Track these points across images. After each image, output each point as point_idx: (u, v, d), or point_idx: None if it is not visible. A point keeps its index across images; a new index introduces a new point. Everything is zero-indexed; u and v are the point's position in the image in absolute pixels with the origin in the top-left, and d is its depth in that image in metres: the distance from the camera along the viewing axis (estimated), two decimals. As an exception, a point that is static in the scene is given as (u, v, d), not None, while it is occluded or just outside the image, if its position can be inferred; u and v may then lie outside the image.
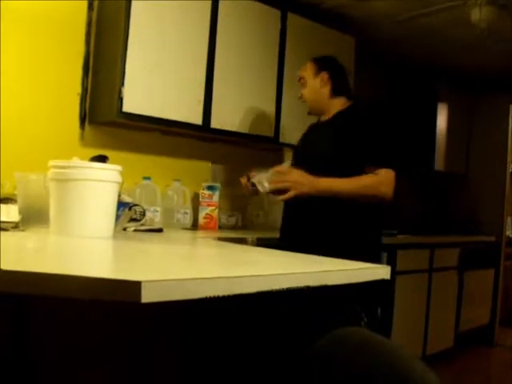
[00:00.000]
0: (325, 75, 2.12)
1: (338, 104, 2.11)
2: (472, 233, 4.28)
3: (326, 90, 2.11)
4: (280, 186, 1.95)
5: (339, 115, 2.08)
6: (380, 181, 1.90)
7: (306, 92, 2.17)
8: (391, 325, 3.14)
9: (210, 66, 2.63)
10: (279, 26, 2.95)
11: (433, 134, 4.21)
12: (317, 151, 2.04)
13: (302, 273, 1.06)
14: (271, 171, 2.02)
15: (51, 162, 1.64)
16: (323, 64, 2.15)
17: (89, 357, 1.11)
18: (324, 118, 2.15)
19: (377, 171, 1.91)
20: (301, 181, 1.92)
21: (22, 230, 1.71)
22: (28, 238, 1.62)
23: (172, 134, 2.81)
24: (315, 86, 2.13)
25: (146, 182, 2.61)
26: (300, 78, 2.20)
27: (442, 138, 4.28)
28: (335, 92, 2.12)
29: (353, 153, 1.93)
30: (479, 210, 4.45)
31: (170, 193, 2.75)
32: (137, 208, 2.21)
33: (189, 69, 2.56)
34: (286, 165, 2.17)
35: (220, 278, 0.90)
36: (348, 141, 1.95)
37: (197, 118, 2.59)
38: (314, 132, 2.18)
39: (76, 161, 1.71)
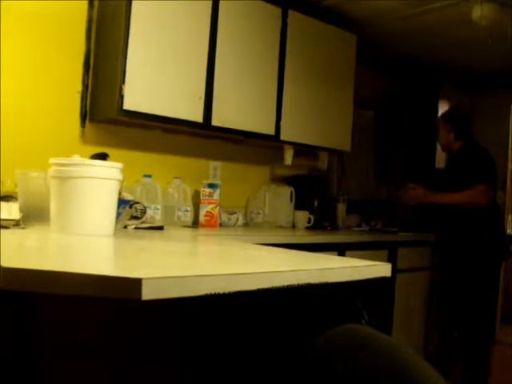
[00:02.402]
0: (448, 126, 3.16)
1: (458, 145, 3.14)
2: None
3: (452, 135, 3.15)
4: (407, 196, 3.23)
5: (458, 153, 3.15)
6: (473, 193, 2.95)
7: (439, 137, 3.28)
8: (392, 322, 3.14)
9: (210, 64, 2.63)
10: (280, 24, 2.94)
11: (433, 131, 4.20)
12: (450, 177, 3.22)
13: (302, 270, 1.06)
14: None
15: (52, 160, 1.64)
16: (448, 118, 3.22)
17: (88, 355, 1.11)
18: (452, 153, 3.24)
19: (475, 186, 2.95)
20: (421, 194, 3.17)
21: (23, 228, 1.72)
22: (29, 235, 1.63)
23: (173, 131, 2.81)
24: (443, 133, 3.20)
25: (146, 179, 2.61)
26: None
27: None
28: (456, 137, 3.14)
29: (467, 176, 3.01)
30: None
31: (170, 190, 2.75)
32: (137, 206, 2.21)
33: (189, 67, 2.56)
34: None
35: (221, 275, 0.90)
36: (464, 169, 3.06)
37: (197, 116, 2.59)
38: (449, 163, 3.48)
39: (77, 158, 1.71)
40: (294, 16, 3.00)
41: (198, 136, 2.93)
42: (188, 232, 2.42)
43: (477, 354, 3.07)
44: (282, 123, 2.97)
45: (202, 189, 2.76)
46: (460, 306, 3.15)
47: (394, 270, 3.04)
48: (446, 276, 3.22)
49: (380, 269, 1.23)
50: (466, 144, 3.12)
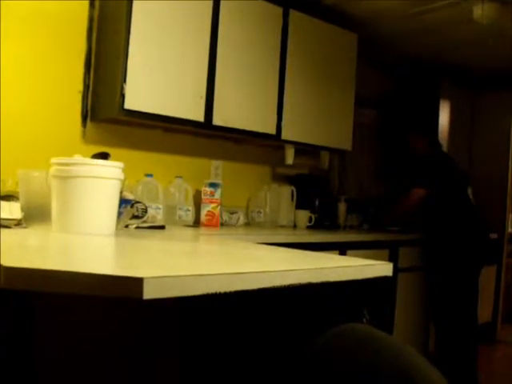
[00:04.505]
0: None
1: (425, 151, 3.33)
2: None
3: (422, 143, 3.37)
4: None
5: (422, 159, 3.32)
6: (407, 198, 3.16)
7: None
8: (393, 322, 3.14)
9: (211, 63, 2.63)
10: (281, 23, 2.94)
11: (435, 131, 4.19)
12: None
13: (303, 269, 1.06)
14: None
15: (53, 159, 1.64)
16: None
17: (89, 355, 1.11)
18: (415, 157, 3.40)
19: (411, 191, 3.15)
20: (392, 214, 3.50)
21: (25, 227, 1.72)
22: (30, 235, 1.63)
23: (174, 130, 2.81)
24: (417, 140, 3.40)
25: (147, 178, 2.61)
26: None
27: (444, 135, 4.27)
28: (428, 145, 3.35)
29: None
30: (481, 207, 4.44)
31: (171, 190, 2.75)
32: (139, 205, 2.21)
33: (190, 66, 2.56)
34: None
35: (222, 274, 0.90)
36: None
37: (199, 115, 2.59)
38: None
39: (78, 158, 1.71)
40: (295, 15, 3.00)
41: (199, 135, 2.93)
42: (189, 231, 2.42)
43: (459, 353, 3.06)
44: (283, 122, 2.97)
45: (203, 188, 2.76)
46: (438, 307, 3.16)
47: (396, 270, 3.04)
48: (428, 276, 3.29)
49: (381, 268, 1.23)
50: (431, 151, 3.29)
